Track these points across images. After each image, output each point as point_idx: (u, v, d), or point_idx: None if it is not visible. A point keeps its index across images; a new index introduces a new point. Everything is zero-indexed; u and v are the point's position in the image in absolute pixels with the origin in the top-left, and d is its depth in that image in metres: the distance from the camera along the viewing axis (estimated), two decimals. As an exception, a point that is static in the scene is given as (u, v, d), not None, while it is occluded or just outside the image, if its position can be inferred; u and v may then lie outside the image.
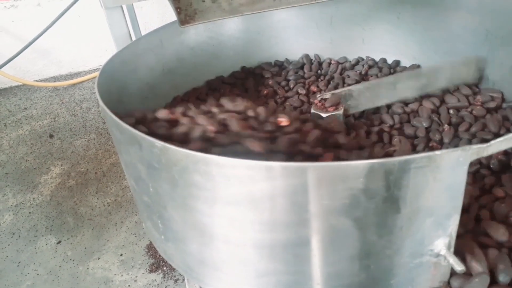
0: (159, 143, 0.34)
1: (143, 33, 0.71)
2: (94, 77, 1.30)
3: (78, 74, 1.36)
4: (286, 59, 0.79)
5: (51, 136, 1.06)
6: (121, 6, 0.60)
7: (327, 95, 0.60)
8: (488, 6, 0.61)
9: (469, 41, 0.64)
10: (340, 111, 0.58)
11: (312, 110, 0.60)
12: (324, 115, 0.59)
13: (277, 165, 0.31)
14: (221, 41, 0.72)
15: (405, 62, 0.73)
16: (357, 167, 0.30)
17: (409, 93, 0.62)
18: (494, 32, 0.61)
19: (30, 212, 0.82)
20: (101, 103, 0.42)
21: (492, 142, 0.31)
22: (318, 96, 0.61)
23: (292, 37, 0.78)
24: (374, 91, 0.61)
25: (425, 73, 0.63)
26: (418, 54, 0.72)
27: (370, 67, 0.73)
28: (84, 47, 1.32)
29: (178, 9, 0.51)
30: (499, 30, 0.60)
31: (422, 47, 0.70)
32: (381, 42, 0.74)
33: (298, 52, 0.79)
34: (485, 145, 0.30)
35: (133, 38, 0.66)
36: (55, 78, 1.35)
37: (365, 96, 0.61)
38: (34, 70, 1.33)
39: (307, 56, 0.78)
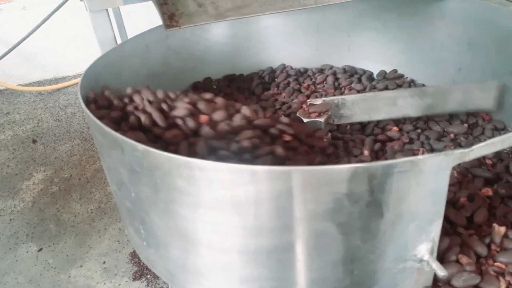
0: (141, 146, 0.33)
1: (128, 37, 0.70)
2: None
3: (63, 79, 1.34)
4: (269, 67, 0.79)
5: (34, 141, 1.04)
6: (107, 10, 0.59)
7: (318, 101, 0.60)
8: (471, 15, 0.62)
9: (454, 49, 0.65)
10: (322, 119, 0.58)
11: (297, 114, 0.60)
12: (305, 120, 0.59)
13: (261, 169, 0.31)
14: (208, 46, 0.72)
15: (389, 69, 0.74)
16: (341, 171, 0.30)
17: (411, 111, 0.60)
18: (477, 41, 0.62)
19: (10, 219, 0.80)
20: (83, 105, 0.41)
21: (474, 147, 0.31)
22: (309, 101, 0.61)
23: (279, 43, 0.79)
24: (370, 103, 0.60)
25: (431, 92, 0.60)
26: (403, 62, 0.72)
27: (351, 75, 0.74)
28: (70, 51, 1.31)
29: (164, 13, 0.51)
30: (482, 39, 0.61)
31: (407, 55, 0.71)
32: (367, 49, 0.75)
33: (285, 58, 0.80)
34: (467, 149, 0.30)
35: (119, 42, 0.66)
36: (39, 83, 1.34)
37: (360, 107, 0.60)
38: (18, 74, 1.31)
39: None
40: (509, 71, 0.58)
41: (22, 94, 1.27)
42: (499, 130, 0.59)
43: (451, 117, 0.62)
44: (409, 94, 0.60)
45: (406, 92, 0.61)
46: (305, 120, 0.58)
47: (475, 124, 0.61)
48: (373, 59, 0.75)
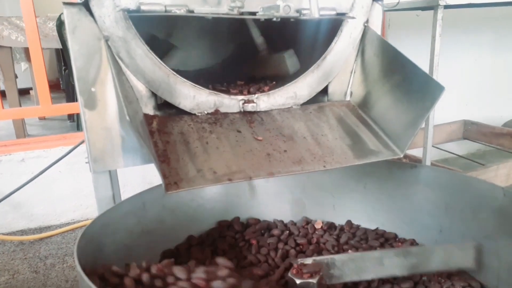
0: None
1: (121, 192, 0.73)
2: (64, 232, 1.28)
3: (48, 228, 1.32)
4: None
5: (6, 296, 0.98)
6: (109, 171, 0.63)
7: (308, 260, 0.61)
8: (444, 182, 0.68)
9: (432, 212, 0.69)
10: (315, 280, 0.58)
11: (289, 274, 0.60)
12: (298, 281, 0.58)
13: None
14: (201, 204, 0.74)
15: (374, 228, 0.77)
16: None
17: (398, 271, 0.61)
18: (453, 205, 0.67)
19: None
20: (78, 268, 0.41)
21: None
22: (299, 260, 0.62)
23: (268, 200, 0.83)
24: (359, 263, 0.61)
25: (414, 252, 0.62)
26: (386, 221, 0.76)
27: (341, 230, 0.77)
28: (59, 201, 1.32)
29: (165, 177, 0.55)
30: (457, 204, 0.66)
31: (390, 215, 0.75)
32: (351, 209, 0.79)
33: (274, 214, 0.83)
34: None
35: (114, 199, 0.68)
36: (22, 232, 1.31)
37: (349, 267, 0.60)
38: (2, 223, 1.29)
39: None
40: (486, 235, 0.61)
41: (3, 243, 1.24)
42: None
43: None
44: (394, 254, 0.62)
45: (391, 252, 0.63)
46: (298, 282, 0.57)
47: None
48: (358, 217, 0.78)
